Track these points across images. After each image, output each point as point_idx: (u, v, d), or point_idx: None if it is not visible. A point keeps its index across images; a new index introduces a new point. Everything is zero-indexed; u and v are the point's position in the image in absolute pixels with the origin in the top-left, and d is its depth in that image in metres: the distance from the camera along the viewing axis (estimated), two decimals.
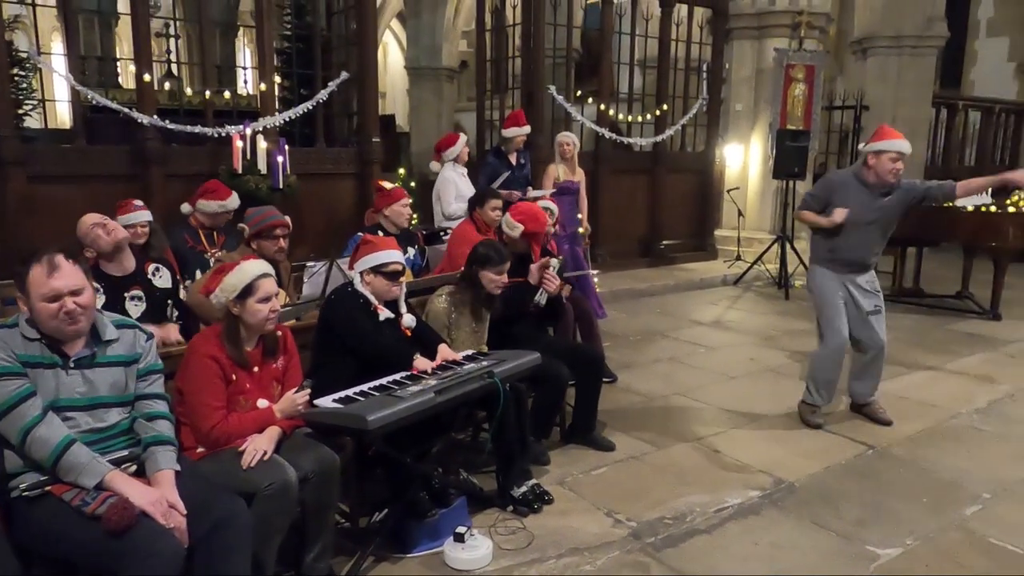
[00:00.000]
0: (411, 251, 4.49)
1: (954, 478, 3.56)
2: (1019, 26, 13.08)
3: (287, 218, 3.75)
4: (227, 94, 7.22)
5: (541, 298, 3.77)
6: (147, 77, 5.81)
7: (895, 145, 3.85)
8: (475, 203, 4.56)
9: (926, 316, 6.99)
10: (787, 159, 8.06)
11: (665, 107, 8.90)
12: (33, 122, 9.22)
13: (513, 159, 6.17)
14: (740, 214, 9.20)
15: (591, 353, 4.09)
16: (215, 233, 4.54)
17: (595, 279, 5.81)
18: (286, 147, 6.11)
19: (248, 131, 5.94)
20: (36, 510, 2.07)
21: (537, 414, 3.62)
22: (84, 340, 2.18)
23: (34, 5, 5.87)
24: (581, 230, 6.04)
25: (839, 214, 3.96)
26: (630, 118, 8.96)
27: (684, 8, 8.93)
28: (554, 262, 3.84)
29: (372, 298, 3.06)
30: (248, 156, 5.88)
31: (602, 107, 8.44)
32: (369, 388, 2.77)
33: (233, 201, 4.58)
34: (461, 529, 2.81)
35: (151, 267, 3.45)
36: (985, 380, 5.07)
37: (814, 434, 4.11)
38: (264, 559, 2.35)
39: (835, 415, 4.35)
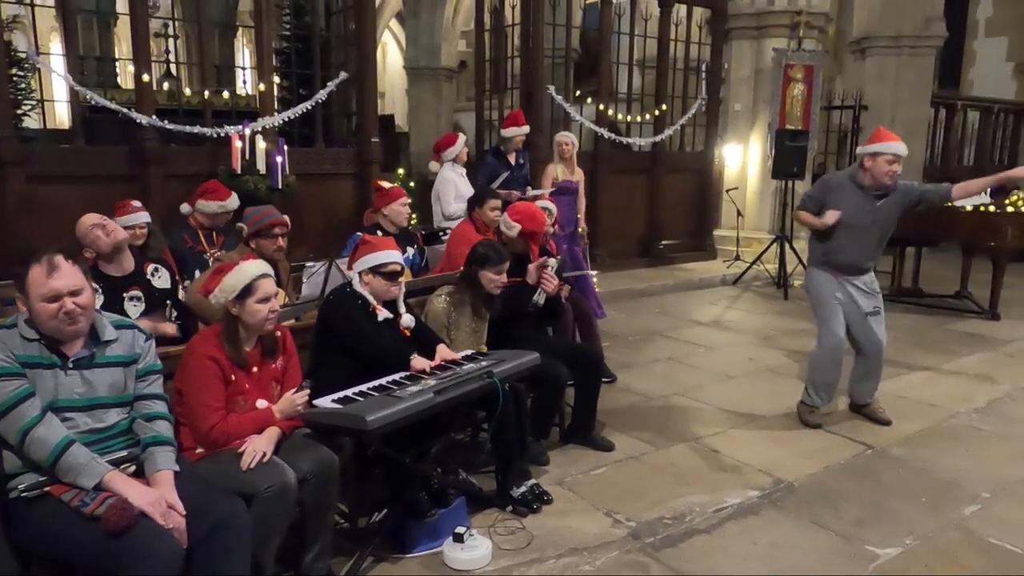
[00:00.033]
0: (410, 251, 4.49)
1: (953, 478, 3.56)
2: (1018, 26, 13.09)
3: (285, 217, 3.74)
4: (226, 94, 7.22)
5: (540, 298, 3.77)
6: (146, 77, 5.81)
7: (891, 147, 3.85)
8: (474, 203, 4.56)
9: (925, 316, 7.00)
10: (786, 159, 8.07)
11: (664, 107, 8.90)
12: (32, 122, 9.23)
13: (512, 159, 6.17)
14: (739, 214, 9.21)
15: (590, 353, 4.09)
16: (214, 233, 4.54)
17: (594, 279, 5.81)
18: (285, 147, 6.11)
19: (247, 131, 5.93)
20: (35, 511, 2.07)
21: (536, 414, 3.62)
22: (83, 341, 2.18)
23: (33, 5, 5.86)
24: (580, 230, 6.04)
25: (831, 216, 3.97)
26: (629, 118, 8.96)
27: (683, 8, 8.93)
28: (552, 262, 3.84)
29: (370, 298, 3.06)
30: (247, 156, 5.88)
31: (601, 107, 8.44)
32: (368, 388, 2.77)
33: (233, 202, 4.58)
34: (460, 529, 2.81)
35: (150, 267, 3.45)
36: (984, 380, 5.07)
37: (813, 434, 4.11)
38: (263, 560, 2.35)
39: (834, 415, 4.35)
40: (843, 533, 3.04)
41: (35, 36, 5.90)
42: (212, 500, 2.16)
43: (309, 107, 6.51)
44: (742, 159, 9.59)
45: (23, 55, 8.76)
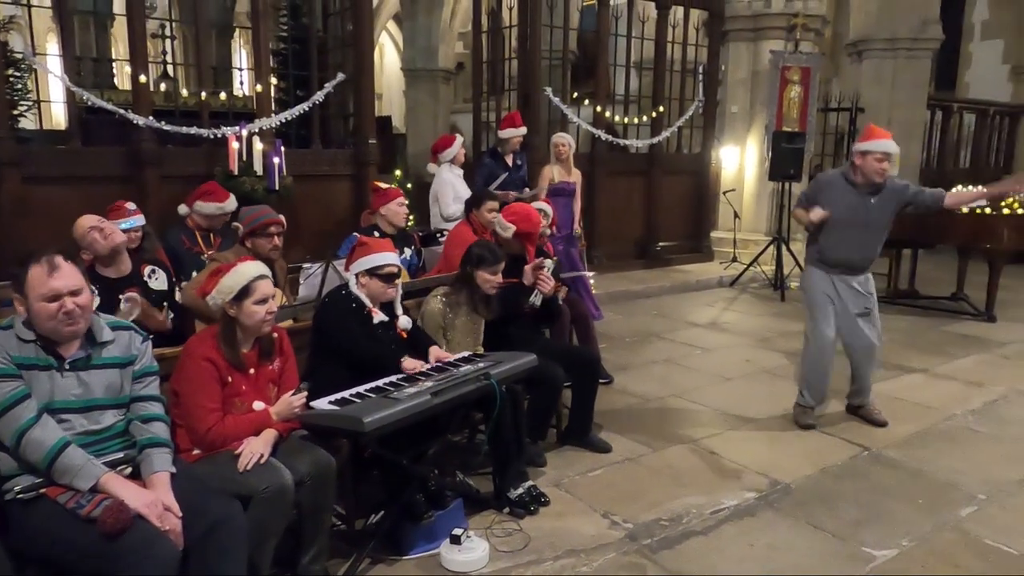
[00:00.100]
0: (408, 252, 4.49)
1: (949, 479, 3.57)
2: (1013, 29, 13.12)
3: (281, 216, 3.74)
4: (223, 95, 7.21)
5: (536, 299, 3.77)
6: (143, 78, 5.80)
7: (880, 146, 3.88)
8: (472, 205, 4.56)
9: (921, 317, 7.01)
10: (783, 161, 8.08)
11: (661, 109, 8.91)
12: (28, 123, 9.21)
13: (509, 160, 6.18)
14: (736, 216, 9.22)
15: (587, 355, 4.09)
16: (212, 235, 4.53)
17: (591, 281, 5.81)
18: (282, 148, 6.11)
19: (244, 132, 5.93)
20: (31, 513, 2.06)
21: (533, 416, 3.61)
22: (79, 342, 2.18)
23: (29, 6, 5.85)
24: (577, 231, 6.04)
25: (816, 213, 4.00)
26: (626, 120, 8.97)
27: (680, 10, 8.94)
28: (548, 263, 3.84)
29: (367, 300, 3.06)
30: (244, 157, 5.87)
31: (598, 109, 8.45)
32: (365, 390, 2.77)
33: (230, 203, 4.57)
34: (457, 531, 2.81)
35: (147, 269, 3.45)
36: (980, 382, 5.08)
37: (809, 435, 4.12)
38: (259, 561, 2.34)
39: (830, 417, 4.36)
40: (840, 535, 3.05)
41: (31, 37, 5.88)
42: (208, 502, 2.16)
43: (306, 108, 6.51)
44: (739, 161, 9.60)
45: (19, 56, 8.74)
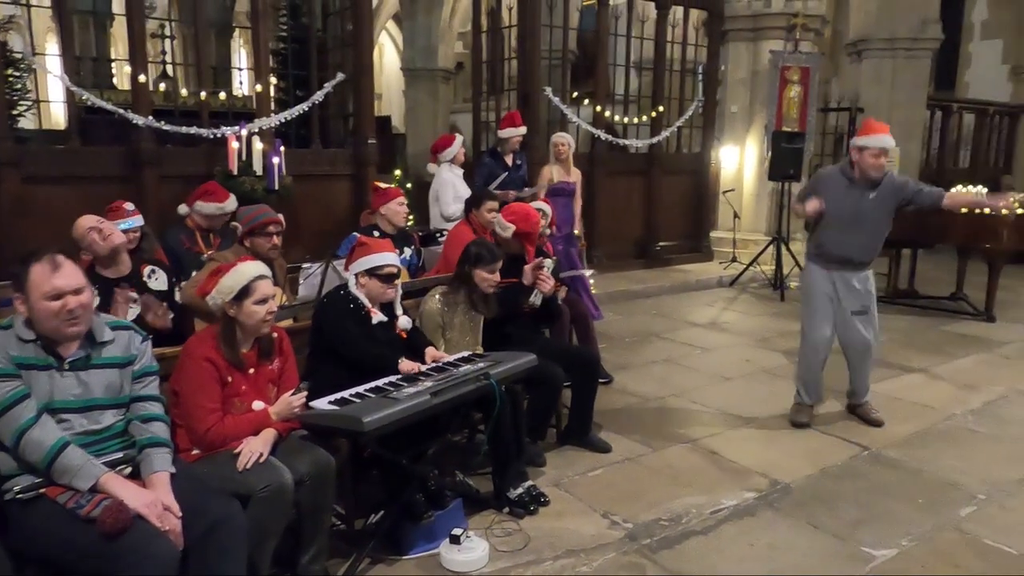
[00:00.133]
0: (407, 251, 4.49)
1: (949, 479, 3.57)
2: (1013, 29, 13.12)
3: (280, 215, 3.73)
4: (223, 95, 7.20)
5: (536, 299, 3.77)
6: (142, 78, 5.80)
7: (876, 141, 3.89)
8: (471, 205, 4.55)
9: (920, 317, 7.01)
10: (783, 161, 8.08)
11: (661, 109, 8.91)
12: (28, 123, 9.21)
13: (509, 160, 6.17)
14: (736, 216, 9.22)
15: (587, 355, 4.09)
16: (211, 235, 4.53)
17: (591, 280, 5.81)
18: (282, 148, 6.10)
19: (244, 132, 5.92)
20: (30, 513, 2.06)
21: (533, 416, 3.62)
22: (79, 342, 2.18)
23: (29, 6, 5.84)
24: (576, 231, 6.04)
25: (811, 204, 4.02)
26: (626, 120, 8.97)
27: (680, 10, 8.94)
28: (548, 263, 3.84)
29: (365, 301, 3.06)
30: (244, 157, 5.87)
31: (598, 109, 8.45)
32: (365, 390, 2.77)
33: (231, 204, 4.55)
34: (457, 531, 2.81)
35: (146, 269, 3.44)
36: (979, 382, 5.08)
37: (809, 435, 4.12)
38: (259, 561, 2.34)
39: (830, 416, 4.36)
40: (839, 534, 3.05)
41: (31, 36, 5.87)
42: (208, 501, 2.16)
43: (306, 108, 6.51)
44: (739, 161, 9.60)
45: (19, 55, 8.75)
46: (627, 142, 8.98)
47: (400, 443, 2.79)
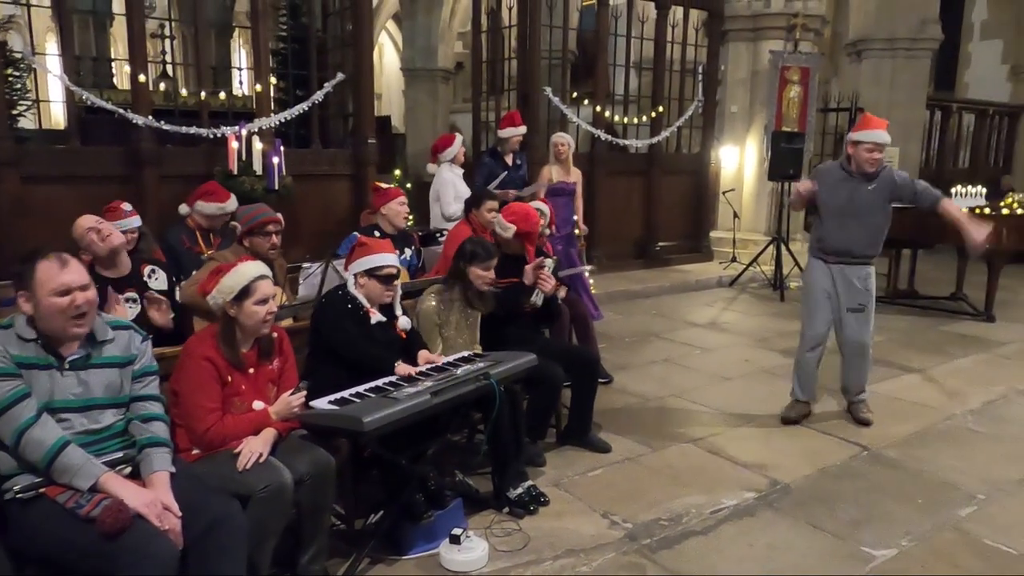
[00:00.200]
0: (407, 252, 4.48)
1: (948, 479, 3.57)
2: (1013, 29, 13.13)
3: (279, 214, 3.73)
4: (222, 95, 7.20)
5: (537, 299, 3.77)
6: (142, 78, 5.80)
7: (870, 136, 3.96)
8: (471, 205, 4.55)
9: (920, 317, 7.02)
10: (782, 161, 8.09)
11: (661, 109, 8.91)
12: (27, 123, 9.20)
13: (509, 160, 6.17)
14: (736, 216, 9.23)
15: (587, 354, 4.09)
16: (211, 235, 4.53)
17: (590, 280, 5.81)
18: (281, 148, 6.10)
19: (244, 132, 5.92)
20: (30, 512, 2.06)
21: (533, 416, 3.62)
22: (79, 341, 2.18)
23: (28, 5, 5.84)
24: (577, 232, 6.04)
25: (804, 184, 4.14)
26: (626, 120, 8.97)
27: (680, 10, 8.94)
28: (548, 262, 3.84)
29: (364, 301, 3.06)
30: (244, 157, 5.87)
31: (598, 109, 8.45)
32: (365, 390, 2.77)
33: (231, 204, 4.55)
34: (457, 531, 2.81)
35: (147, 269, 3.44)
36: (979, 381, 5.08)
37: (809, 435, 4.12)
38: (259, 561, 2.34)
39: (830, 416, 4.36)
40: (839, 534, 3.05)
41: (31, 36, 5.87)
42: (208, 501, 2.15)
43: (306, 108, 6.50)
44: (738, 161, 9.60)
45: (19, 55, 8.75)
46: (627, 142, 8.98)
47: (400, 443, 2.79)
